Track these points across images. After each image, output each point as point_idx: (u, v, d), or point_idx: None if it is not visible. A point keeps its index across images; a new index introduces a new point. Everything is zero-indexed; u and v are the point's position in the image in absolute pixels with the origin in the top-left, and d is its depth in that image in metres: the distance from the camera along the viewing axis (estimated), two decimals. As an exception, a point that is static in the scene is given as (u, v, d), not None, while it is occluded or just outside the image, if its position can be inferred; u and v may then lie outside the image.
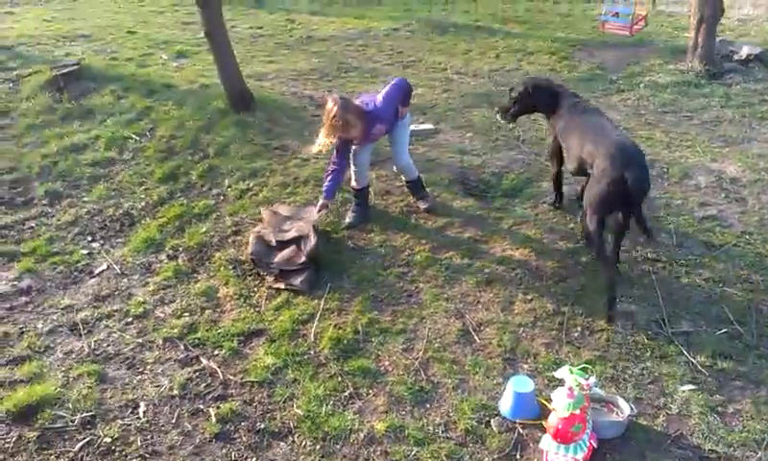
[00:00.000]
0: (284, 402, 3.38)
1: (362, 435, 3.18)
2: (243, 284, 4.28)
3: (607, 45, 8.30)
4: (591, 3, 10.34)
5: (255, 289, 4.24)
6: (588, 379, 2.99)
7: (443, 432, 3.19)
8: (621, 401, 3.20)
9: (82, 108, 6.50)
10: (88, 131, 6.14)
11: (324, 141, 4.38)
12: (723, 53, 7.44)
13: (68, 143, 5.96)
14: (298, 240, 4.35)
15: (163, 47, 8.47)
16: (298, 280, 4.18)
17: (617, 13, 7.67)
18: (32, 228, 5.07)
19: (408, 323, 3.87)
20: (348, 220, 4.72)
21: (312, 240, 4.29)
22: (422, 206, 4.79)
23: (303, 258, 4.25)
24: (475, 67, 7.70)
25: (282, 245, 4.36)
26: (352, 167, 4.63)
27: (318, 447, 3.12)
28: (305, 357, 3.66)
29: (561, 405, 2.94)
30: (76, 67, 7.08)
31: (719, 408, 3.27)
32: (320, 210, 4.58)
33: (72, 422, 3.27)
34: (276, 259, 4.30)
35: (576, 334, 3.74)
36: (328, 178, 4.55)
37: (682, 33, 8.50)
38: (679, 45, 7.96)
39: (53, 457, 3.09)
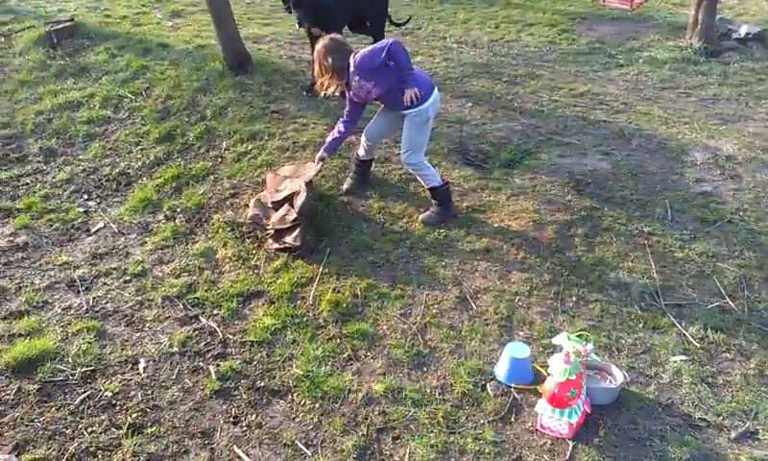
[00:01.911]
0: (283, 362, 3.42)
1: (360, 395, 3.23)
2: (242, 246, 4.28)
3: (606, 19, 8.27)
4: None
5: (254, 251, 4.25)
6: (585, 346, 3.05)
7: (439, 394, 3.25)
8: (615, 369, 3.27)
9: (76, 65, 6.41)
10: (83, 88, 6.07)
11: (318, 81, 4.24)
12: (722, 31, 7.43)
13: (63, 100, 5.89)
14: (291, 198, 4.33)
15: (158, 6, 8.32)
16: (290, 237, 4.18)
17: (619, -13, 7.64)
18: (27, 184, 5.04)
19: (406, 289, 3.91)
20: (345, 186, 4.72)
21: (303, 196, 4.26)
22: (420, 216, 4.45)
23: (295, 215, 4.23)
24: (475, 37, 7.65)
25: (277, 205, 4.36)
26: (362, 136, 4.60)
27: (317, 405, 3.17)
28: (304, 319, 3.70)
29: (557, 370, 3.00)
30: (69, 24, 6.96)
31: (709, 379, 3.34)
32: (317, 163, 4.51)
33: (72, 375, 3.29)
34: (272, 220, 4.31)
35: (571, 304, 3.80)
36: (333, 131, 4.49)
37: (681, 9, 8.47)
38: (678, 22, 7.94)
39: (54, 409, 3.11)
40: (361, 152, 4.66)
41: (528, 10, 8.60)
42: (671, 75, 6.65)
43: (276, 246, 4.21)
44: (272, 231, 4.27)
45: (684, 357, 3.46)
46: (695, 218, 4.40)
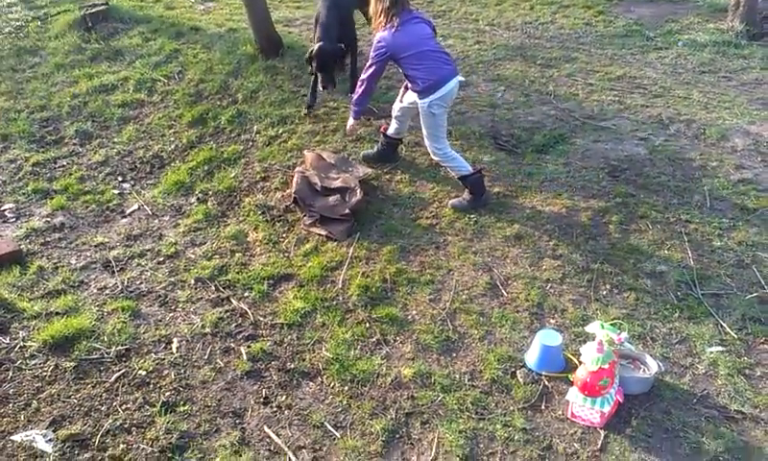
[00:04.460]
0: (313, 345, 3.44)
1: (389, 379, 3.23)
2: (272, 230, 4.31)
3: (644, 1, 8.06)
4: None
5: (284, 235, 4.27)
6: (619, 335, 2.99)
7: (468, 380, 3.23)
8: (649, 359, 3.20)
9: (110, 48, 6.49)
10: (117, 72, 6.15)
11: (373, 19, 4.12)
12: (765, 13, 7.20)
13: (97, 83, 5.98)
14: (343, 191, 4.36)
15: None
16: (337, 230, 4.20)
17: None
18: (63, 166, 5.14)
19: (435, 274, 3.88)
20: (365, 151, 4.76)
21: (358, 194, 4.30)
22: (450, 201, 4.42)
23: (347, 211, 4.26)
24: (508, 19, 7.54)
25: (327, 192, 4.37)
26: (393, 112, 4.58)
27: (346, 388, 3.18)
28: (334, 303, 3.71)
29: (589, 359, 2.95)
30: (104, 7, 7.06)
31: (747, 370, 3.26)
32: (350, 130, 4.67)
33: (107, 354, 3.35)
34: (320, 204, 4.32)
35: (604, 292, 3.73)
36: (357, 88, 4.32)
37: (723, -9, 8.21)
38: (719, 3, 7.71)
39: (89, 387, 3.18)
40: (390, 130, 4.64)
41: (563, -9, 8.42)
42: (711, 58, 6.47)
43: (316, 230, 4.22)
44: (316, 214, 4.28)
45: (720, 348, 3.37)
46: (734, 206, 4.28)
